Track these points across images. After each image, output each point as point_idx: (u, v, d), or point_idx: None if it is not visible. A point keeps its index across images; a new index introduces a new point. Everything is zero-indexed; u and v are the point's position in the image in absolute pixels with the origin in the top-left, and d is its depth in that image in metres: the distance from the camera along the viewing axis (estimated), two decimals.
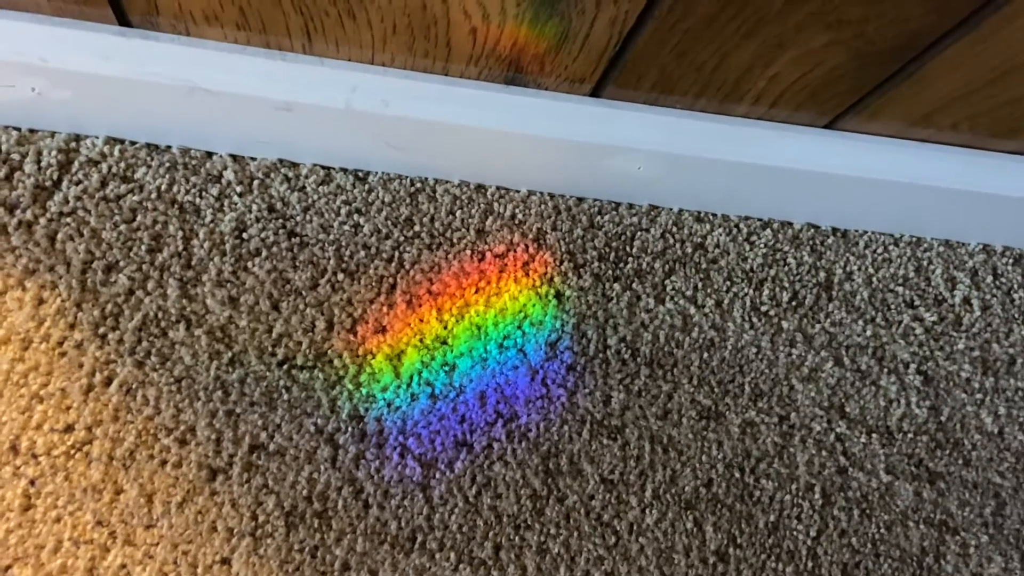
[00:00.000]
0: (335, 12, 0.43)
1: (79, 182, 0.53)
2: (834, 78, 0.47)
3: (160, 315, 0.52)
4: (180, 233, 0.53)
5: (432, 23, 0.44)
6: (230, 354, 0.52)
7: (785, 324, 0.61)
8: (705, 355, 0.60)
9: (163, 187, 0.54)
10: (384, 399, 0.54)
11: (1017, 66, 0.44)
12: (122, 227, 0.52)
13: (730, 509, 0.57)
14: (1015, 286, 0.66)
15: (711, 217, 0.63)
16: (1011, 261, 0.66)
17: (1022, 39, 0.42)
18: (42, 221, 0.52)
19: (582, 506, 0.55)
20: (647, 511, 0.56)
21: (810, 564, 0.57)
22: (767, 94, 0.50)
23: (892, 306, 0.64)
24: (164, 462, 0.50)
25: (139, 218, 0.53)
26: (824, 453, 0.60)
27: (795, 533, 0.58)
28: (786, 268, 0.63)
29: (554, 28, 0.44)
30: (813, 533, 0.58)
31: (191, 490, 0.50)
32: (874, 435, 0.61)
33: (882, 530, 0.59)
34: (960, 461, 0.61)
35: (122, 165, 0.53)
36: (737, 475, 0.58)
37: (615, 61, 0.47)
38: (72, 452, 0.49)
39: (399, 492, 0.53)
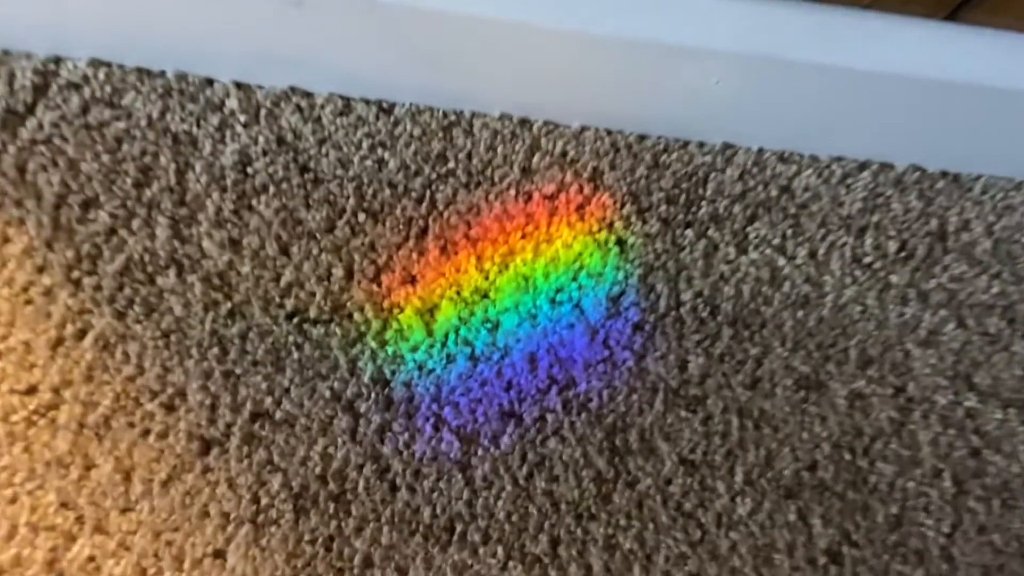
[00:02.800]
0: None
1: (56, 107, 0.45)
2: None
3: (146, 258, 0.43)
4: (173, 166, 0.45)
5: None
6: (229, 305, 0.43)
7: (894, 278, 0.51)
8: (799, 314, 0.49)
9: (155, 115, 0.46)
10: (414, 360, 0.44)
11: None
12: (104, 158, 0.45)
13: (841, 498, 0.46)
14: None
15: (797, 157, 0.53)
16: None
17: None
18: (11, 150, 0.44)
19: (657, 492, 0.45)
20: (738, 499, 0.45)
21: (944, 567, 0.46)
22: None
23: (1020, 259, 0.53)
24: (146, 432, 0.41)
25: (125, 148, 0.45)
26: (952, 431, 0.49)
27: (923, 529, 0.47)
28: (891, 215, 0.53)
29: None
30: (946, 529, 0.47)
31: (179, 466, 0.41)
32: (1011, 410, 0.49)
33: None
34: None
35: (107, 89, 0.46)
36: (847, 457, 0.47)
37: None
38: (34, 418, 0.40)
39: (433, 472, 0.43)
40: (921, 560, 0.46)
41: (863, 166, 0.54)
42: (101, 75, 0.46)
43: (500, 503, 0.43)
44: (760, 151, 0.53)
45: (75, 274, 0.42)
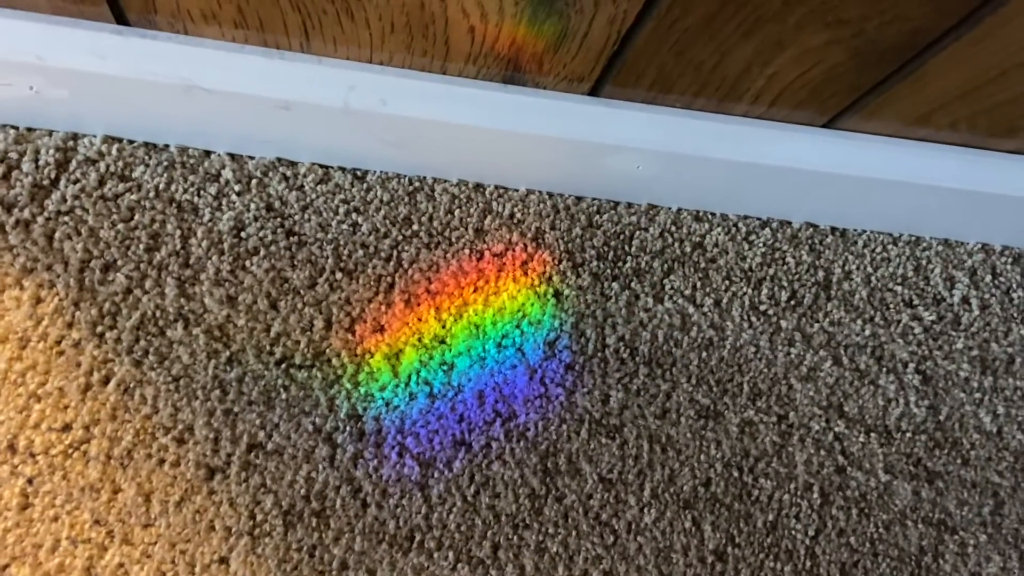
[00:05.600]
0: (333, 10, 0.43)
1: (77, 181, 0.53)
2: (833, 77, 0.47)
3: (158, 314, 0.52)
4: (178, 232, 0.53)
5: (430, 21, 0.44)
6: (228, 353, 0.52)
7: (784, 323, 0.61)
8: (704, 354, 0.60)
9: (161, 186, 0.54)
10: (382, 398, 0.54)
11: (1015, 65, 0.44)
12: (120, 226, 0.52)
13: (728, 508, 0.57)
14: (1014, 285, 0.66)
15: (710, 216, 0.63)
16: (1010, 260, 0.66)
17: (1020, 38, 0.42)
18: (40, 220, 0.52)
19: (580, 505, 0.55)
20: (645, 510, 0.56)
21: (808, 563, 0.57)
22: (766, 93, 0.50)
23: (891, 305, 0.64)
24: (162, 461, 0.50)
25: (137, 217, 0.53)
26: (822, 452, 0.60)
27: (793, 532, 0.58)
28: (785, 267, 0.63)
29: (552, 27, 0.44)
30: (811, 532, 0.58)
31: (189, 489, 0.50)
32: (872, 434, 0.61)
33: (880, 529, 0.59)
34: (959, 460, 0.61)
35: (120, 164, 0.53)
36: (735, 474, 0.58)
37: (614, 60, 0.47)
38: (70, 451, 0.49)
39: (397, 491, 0.53)
40: (790, 558, 0.57)
41: (765, 223, 0.64)
42: (114, 150, 0.53)
43: (451, 516, 0.53)
44: (679, 211, 0.62)
45: (99, 329, 0.51)
